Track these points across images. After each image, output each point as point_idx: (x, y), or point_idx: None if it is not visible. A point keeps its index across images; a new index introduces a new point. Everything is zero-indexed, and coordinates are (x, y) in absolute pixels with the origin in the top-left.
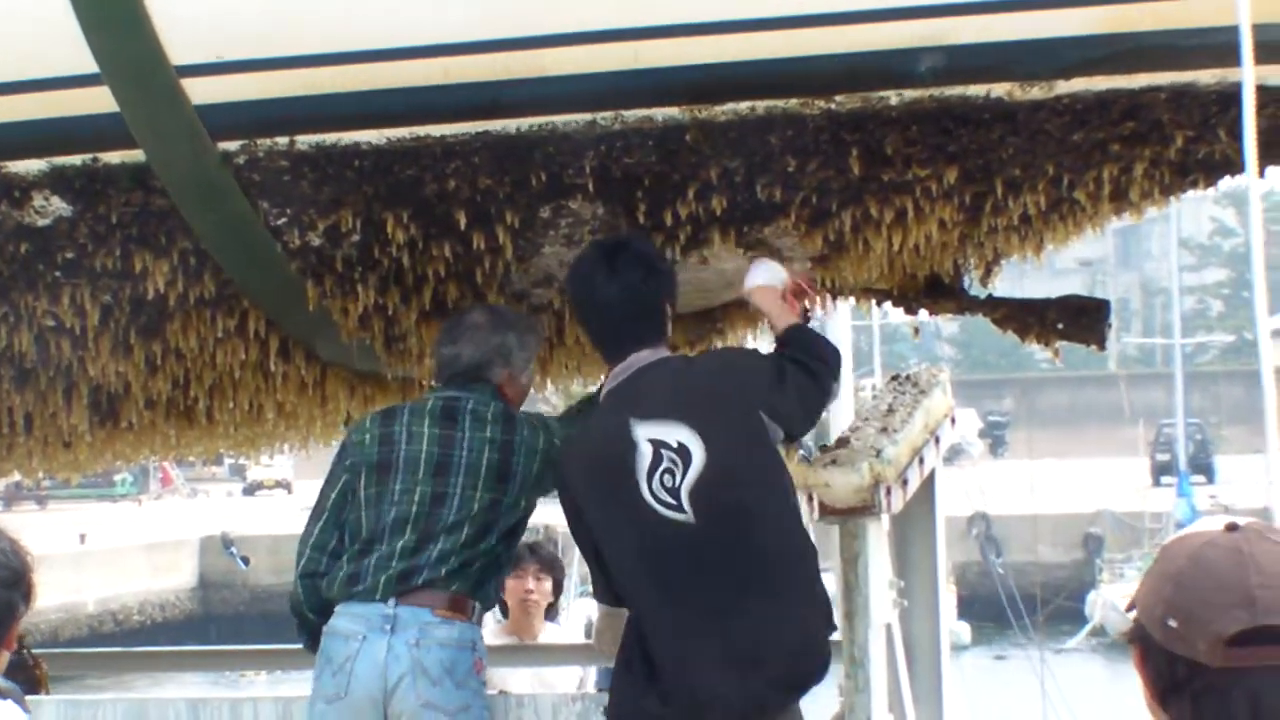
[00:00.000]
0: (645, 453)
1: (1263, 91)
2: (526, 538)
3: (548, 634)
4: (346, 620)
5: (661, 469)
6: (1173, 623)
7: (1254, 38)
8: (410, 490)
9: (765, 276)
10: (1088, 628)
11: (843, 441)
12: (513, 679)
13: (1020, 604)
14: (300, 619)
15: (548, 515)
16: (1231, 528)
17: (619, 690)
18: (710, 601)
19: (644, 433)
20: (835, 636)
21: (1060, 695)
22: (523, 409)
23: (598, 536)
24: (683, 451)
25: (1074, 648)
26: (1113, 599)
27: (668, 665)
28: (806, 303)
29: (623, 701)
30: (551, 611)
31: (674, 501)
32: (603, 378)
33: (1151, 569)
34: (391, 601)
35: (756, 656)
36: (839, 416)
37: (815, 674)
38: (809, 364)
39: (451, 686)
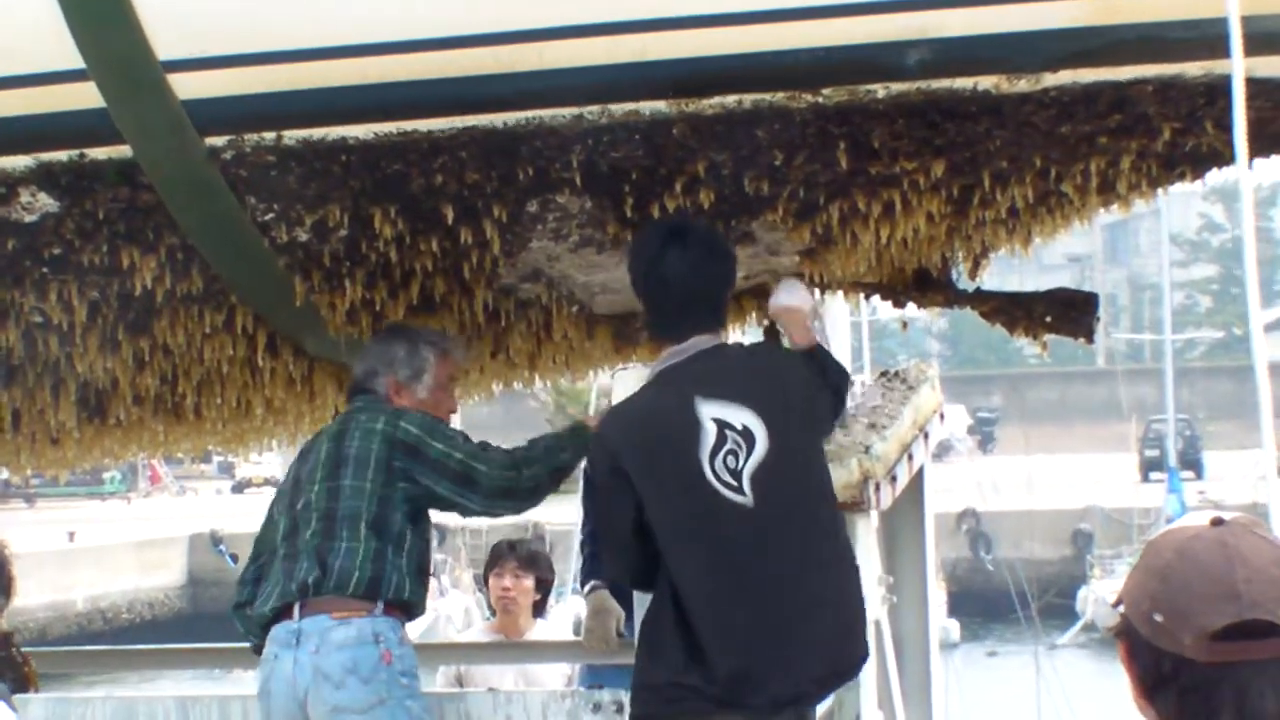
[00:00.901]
0: (710, 431)
1: (1251, 83)
2: (511, 535)
3: (536, 631)
4: (267, 645)
5: (725, 450)
6: (1159, 617)
7: (1242, 29)
8: (280, 508)
9: (796, 299)
10: (1080, 624)
11: (832, 438)
12: (496, 676)
13: (1014, 600)
14: (255, 652)
15: (537, 512)
16: (1217, 522)
17: (647, 673)
18: (762, 585)
19: (709, 412)
20: None
21: (1053, 691)
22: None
23: (648, 507)
24: (747, 435)
25: (1066, 644)
26: (1104, 595)
27: (715, 639)
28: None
29: (655, 683)
30: (540, 608)
31: (735, 483)
32: (595, 374)
33: (1138, 564)
34: (296, 615)
35: (803, 644)
36: None
37: (853, 669)
38: (840, 384)
39: (358, 684)
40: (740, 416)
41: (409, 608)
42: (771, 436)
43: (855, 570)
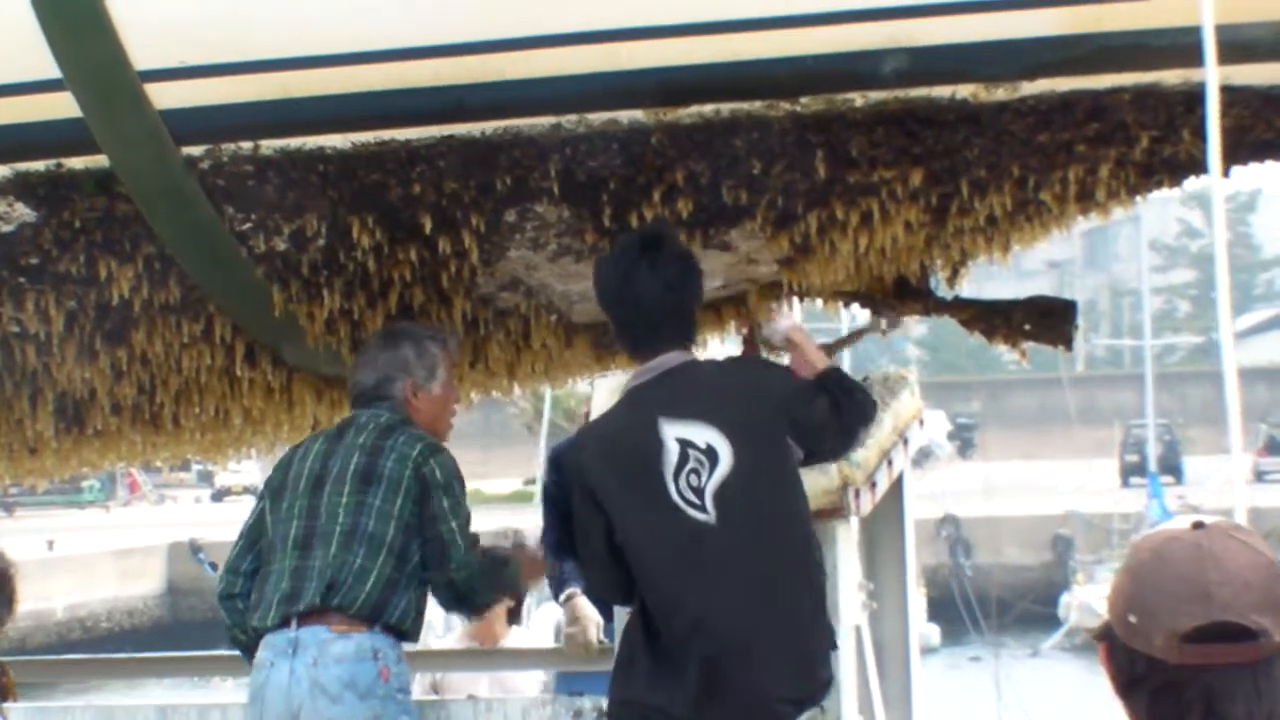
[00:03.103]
0: (673, 451)
1: (1228, 91)
2: (485, 542)
3: (512, 638)
4: (261, 650)
5: (688, 469)
6: (1132, 618)
7: (1217, 38)
8: (292, 508)
9: (789, 325)
10: (1063, 629)
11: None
12: (470, 683)
13: (991, 607)
14: (234, 643)
15: (515, 519)
16: (1198, 525)
17: (621, 687)
18: (726, 605)
19: (672, 432)
20: None
21: (1033, 697)
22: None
23: (618, 527)
24: (710, 453)
25: (1049, 650)
26: (1088, 600)
27: (681, 659)
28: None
29: (626, 698)
30: (514, 616)
31: (698, 501)
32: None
33: (1121, 566)
34: (294, 624)
35: (767, 665)
36: None
37: (818, 691)
38: (853, 390)
39: (354, 700)
40: (704, 435)
41: (405, 635)
42: (737, 454)
43: (822, 593)
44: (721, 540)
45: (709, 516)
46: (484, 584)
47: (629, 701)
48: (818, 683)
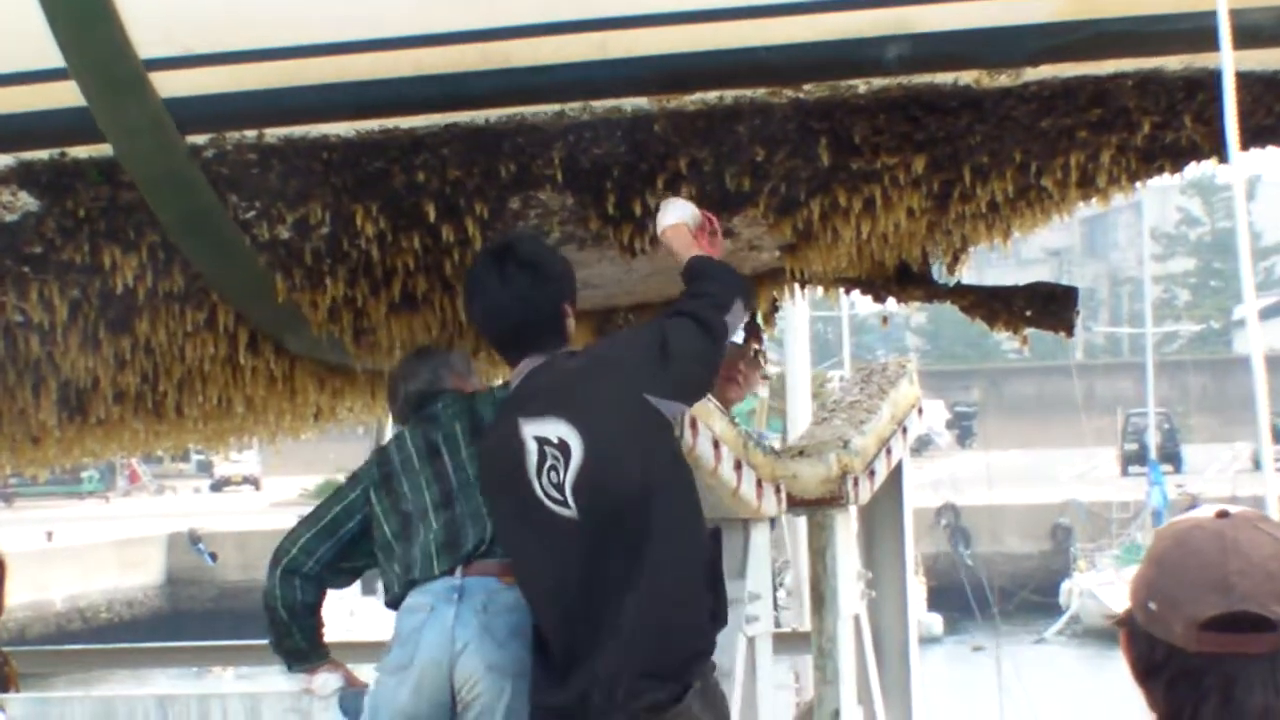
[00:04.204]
0: (532, 451)
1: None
2: None
3: None
4: (416, 596)
5: (547, 466)
6: (1153, 605)
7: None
8: (417, 481)
9: (675, 215)
10: (1065, 617)
11: (810, 433)
12: None
13: (992, 595)
14: (271, 614)
15: None
16: (1223, 514)
17: (532, 678)
18: (594, 596)
19: (530, 431)
20: (804, 628)
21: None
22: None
23: (500, 535)
24: (563, 447)
25: (1051, 637)
26: (1089, 587)
27: (559, 656)
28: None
29: (534, 703)
30: None
31: (560, 497)
32: None
33: (1145, 553)
34: (458, 573)
35: (634, 650)
36: (799, 410)
37: (690, 668)
38: (699, 311)
39: (518, 648)
40: (556, 430)
41: None
42: (587, 444)
43: (697, 559)
44: (585, 530)
45: (571, 511)
46: None
47: (536, 707)
48: (686, 661)
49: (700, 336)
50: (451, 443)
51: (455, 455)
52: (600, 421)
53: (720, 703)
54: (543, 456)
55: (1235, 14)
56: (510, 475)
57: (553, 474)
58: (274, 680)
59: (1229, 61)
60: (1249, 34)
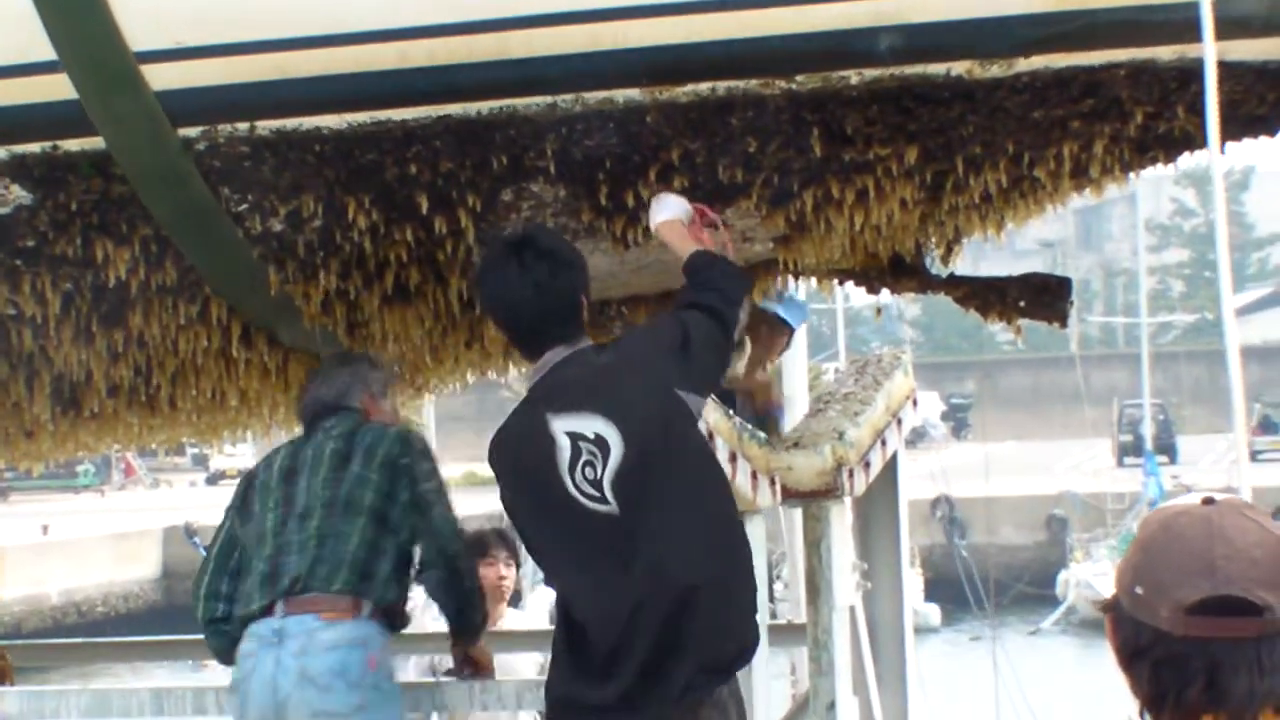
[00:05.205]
0: (564, 447)
1: (1222, 67)
2: (494, 524)
3: (508, 620)
4: (245, 641)
5: (582, 462)
6: (1139, 589)
7: (1213, 13)
8: (265, 504)
9: (668, 212)
10: (1062, 608)
11: (805, 425)
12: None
13: (987, 586)
14: (222, 661)
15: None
16: (1209, 501)
17: (554, 672)
18: (639, 590)
19: (561, 427)
20: (800, 620)
21: (1033, 676)
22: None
23: (525, 532)
24: (600, 443)
25: (1049, 628)
26: (1085, 578)
27: (599, 652)
28: (715, 232)
29: (555, 685)
30: (516, 598)
31: (597, 493)
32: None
33: (1132, 539)
34: (279, 610)
35: (686, 639)
36: (796, 401)
37: (740, 657)
38: (712, 304)
39: (344, 689)
40: (591, 425)
41: (394, 615)
42: (627, 438)
43: (746, 555)
44: (629, 526)
45: (611, 507)
46: (468, 554)
47: (558, 698)
48: (740, 645)
49: (716, 330)
50: (316, 465)
51: (314, 478)
52: (638, 417)
53: (739, 691)
54: (577, 452)
55: (1225, 4)
56: (536, 471)
57: (588, 470)
58: None
59: (1211, 53)
60: (1239, 24)
